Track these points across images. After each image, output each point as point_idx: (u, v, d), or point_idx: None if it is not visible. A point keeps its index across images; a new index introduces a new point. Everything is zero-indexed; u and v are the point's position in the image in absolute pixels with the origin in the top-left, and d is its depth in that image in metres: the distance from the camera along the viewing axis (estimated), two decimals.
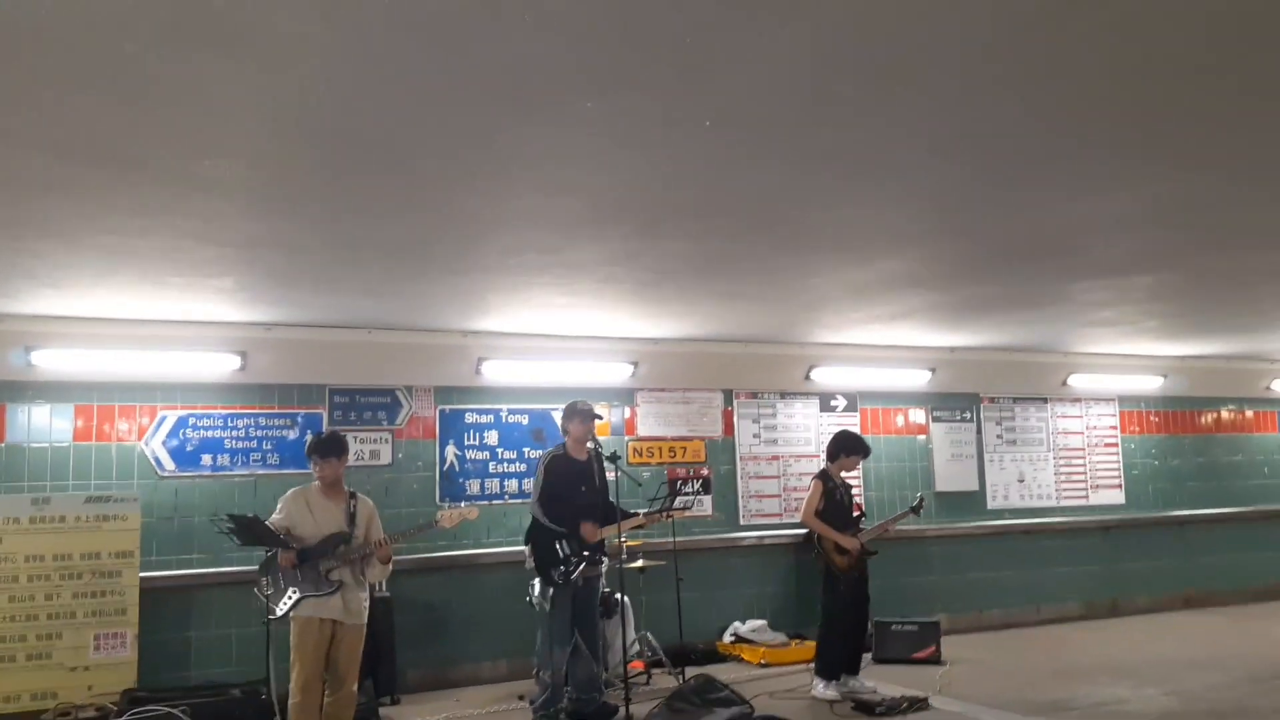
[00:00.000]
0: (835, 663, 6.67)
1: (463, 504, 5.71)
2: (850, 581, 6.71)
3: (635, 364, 8.30)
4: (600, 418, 6.60)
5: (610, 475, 6.41)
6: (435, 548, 7.51)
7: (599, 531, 6.16)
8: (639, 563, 7.40)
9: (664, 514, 6.53)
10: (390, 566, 5.61)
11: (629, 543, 7.20)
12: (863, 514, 7.11)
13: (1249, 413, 11.23)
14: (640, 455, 8.44)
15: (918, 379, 9.37)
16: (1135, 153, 4.10)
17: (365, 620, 5.51)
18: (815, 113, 3.52)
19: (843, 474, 7.00)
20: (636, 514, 6.39)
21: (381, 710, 6.53)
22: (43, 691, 6.09)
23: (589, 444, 6.36)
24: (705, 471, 8.69)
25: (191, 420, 7.01)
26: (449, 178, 4.06)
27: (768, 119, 3.55)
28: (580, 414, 6.33)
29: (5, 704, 6.00)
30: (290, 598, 5.31)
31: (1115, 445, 10.41)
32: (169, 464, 6.91)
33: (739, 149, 3.85)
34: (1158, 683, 6.80)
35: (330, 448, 5.51)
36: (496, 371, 7.84)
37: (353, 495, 5.58)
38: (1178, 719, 5.88)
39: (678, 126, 3.59)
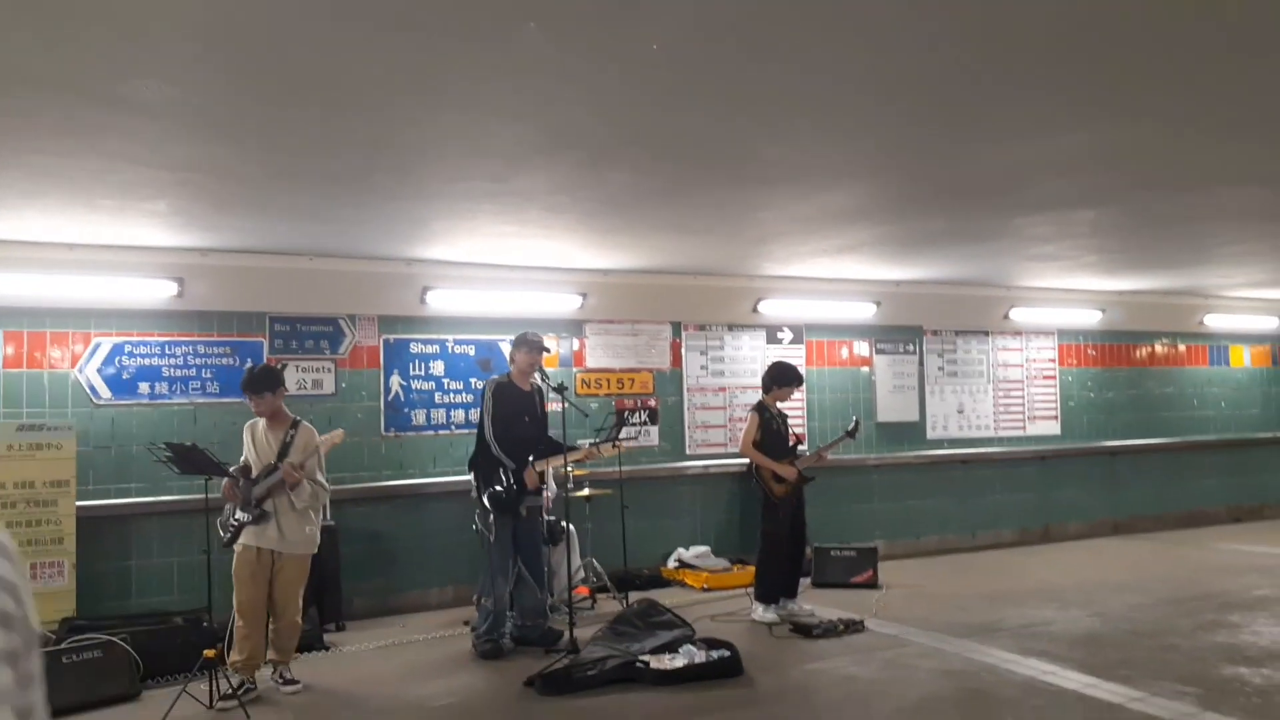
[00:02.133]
0: (774, 587, 6.83)
1: (335, 430, 5.78)
2: (787, 508, 6.84)
3: (584, 295, 8.26)
4: (549, 350, 6.56)
5: (557, 406, 6.42)
6: (380, 477, 7.51)
7: (536, 476, 6.15)
8: (585, 491, 7.48)
9: (612, 444, 6.54)
10: (314, 492, 5.41)
11: (576, 472, 7.25)
12: (799, 442, 7.21)
13: (1181, 346, 11.55)
14: (589, 387, 8.46)
15: (863, 312, 9.47)
16: (1075, 98, 4.15)
17: (310, 551, 5.52)
18: (755, 50, 3.49)
19: (779, 404, 7.07)
20: (579, 445, 6.40)
21: (326, 637, 6.56)
22: None
23: (534, 377, 6.35)
24: (653, 403, 8.74)
25: (127, 348, 6.85)
26: (386, 104, 3.97)
27: (710, 54, 3.51)
28: (527, 344, 6.31)
29: None
30: (233, 526, 5.30)
31: (1053, 378, 10.66)
32: (105, 392, 6.76)
33: (683, 82, 3.81)
34: (1083, 605, 7.08)
35: (258, 383, 5.43)
36: (442, 301, 7.75)
37: (294, 424, 5.54)
38: (1100, 638, 6.13)
39: (621, 57, 3.53)
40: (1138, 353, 11.26)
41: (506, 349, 8.02)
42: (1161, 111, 4.38)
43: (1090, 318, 10.67)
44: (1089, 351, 10.91)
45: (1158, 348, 11.40)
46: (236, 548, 5.30)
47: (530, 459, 6.14)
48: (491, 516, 6.12)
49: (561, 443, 6.10)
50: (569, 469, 6.42)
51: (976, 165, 5.22)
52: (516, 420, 6.19)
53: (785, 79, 3.81)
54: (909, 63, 3.67)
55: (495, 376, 6.55)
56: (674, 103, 4.06)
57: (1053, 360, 10.67)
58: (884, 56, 3.60)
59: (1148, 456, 10.99)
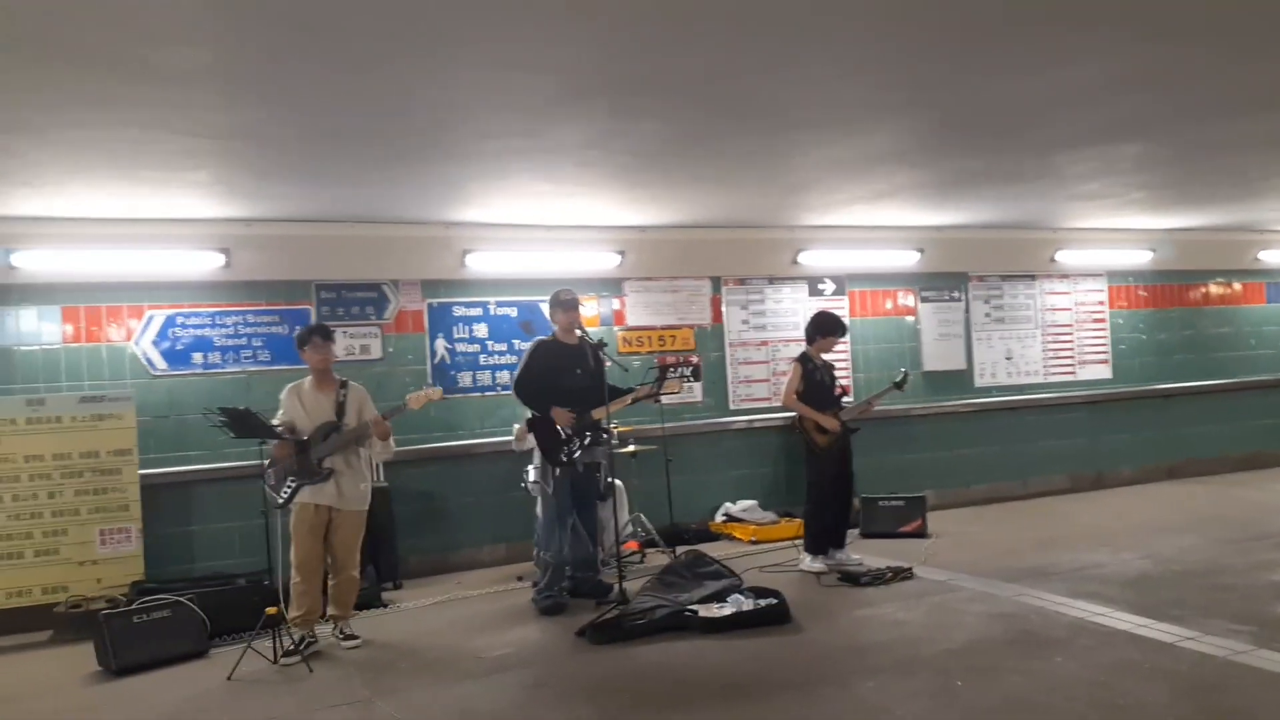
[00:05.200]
0: (821, 537, 6.85)
1: (425, 387, 5.93)
2: (832, 459, 6.83)
3: (622, 253, 8.28)
4: (579, 304, 6.52)
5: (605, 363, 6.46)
6: (431, 438, 7.64)
7: (566, 415, 6.20)
8: (630, 447, 7.54)
9: (655, 394, 6.58)
10: (392, 444, 5.75)
11: (620, 429, 7.31)
12: (844, 393, 7.17)
13: (1237, 285, 11.25)
14: (630, 345, 8.50)
15: (906, 259, 9.36)
16: (1109, 19, 4.01)
17: (365, 507, 5.67)
18: None
19: (823, 355, 7.04)
20: (630, 390, 6.44)
21: (384, 594, 6.74)
22: (53, 586, 6.27)
23: (578, 331, 6.39)
24: (695, 359, 8.76)
25: (179, 319, 7.02)
26: (413, 58, 3.98)
27: None
28: (560, 304, 6.35)
29: (18, 598, 6.20)
30: (289, 487, 5.45)
31: (1103, 321, 10.46)
32: (160, 363, 6.96)
33: (702, 16, 3.75)
34: (1135, 548, 7.00)
35: (315, 330, 5.62)
36: (482, 263, 7.82)
37: (343, 384, 5.68)
38: (1152, 580, 6.08)
39: None
40: (1191, 292, 11.00)
41: (547, 310, 8.11)
42: (1195, 32, 4.22)
43: (1140, 258, 10.43)
44: (1140, 293, 10.68)
45: (1212, 287, 11.12)
46: (294, 506, 5.45)
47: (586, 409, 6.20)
48: (550, 470, 6.20)
49: (621, 388, 6.29)
50: (613, 424, 6.46)
51: (1007, 97, 5.06)
52: (566, 374, 6.22)
53: (806, 13, 3.73)
54: None
55: (539, 336, 6.63)
56: (695, 40, 3.99)
57: (1102, 303, 10.47)
58: None
59: (1203, 399, 10.76)
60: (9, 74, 3.85)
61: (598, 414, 6.22)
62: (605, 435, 6.36)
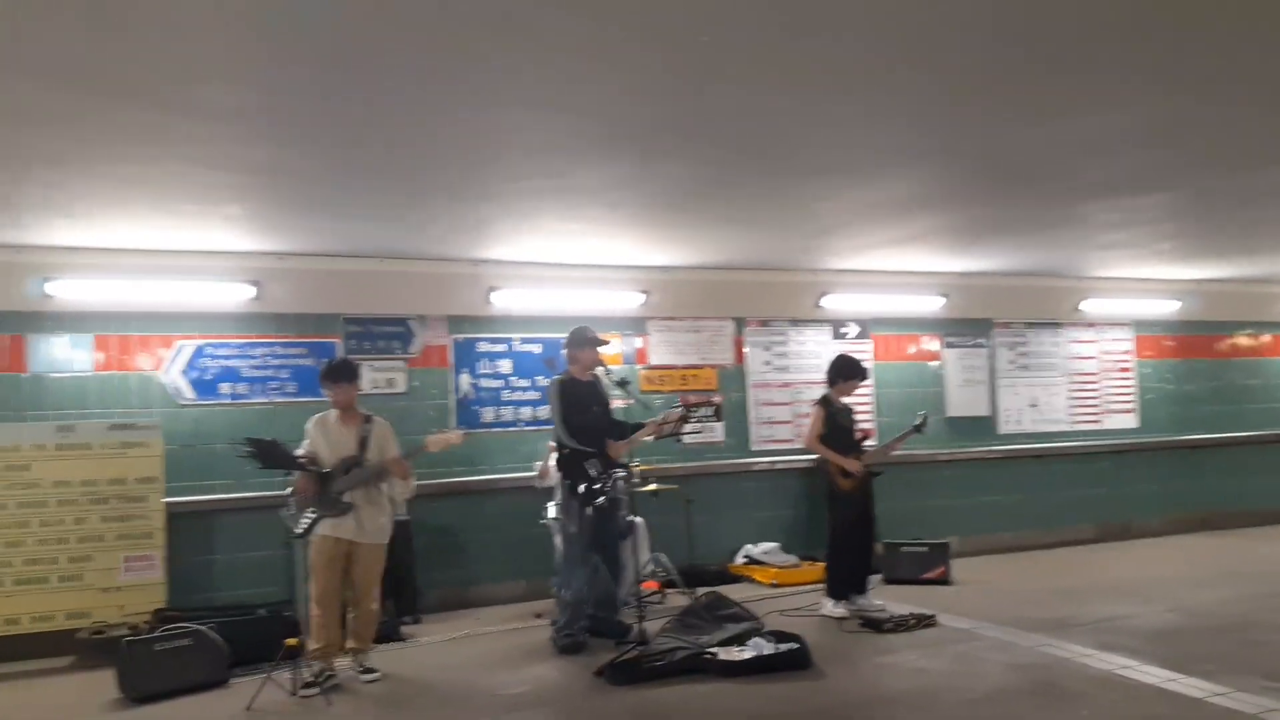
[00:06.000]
0: (843, 582, 6.79)
1: (449, 430, 5.93)
2: (855, 503, 6.78)
3: (646, 293, 8.33)
4: (606, 342, 6.60)
5: (621, 403, 6.48)
6: (452, 473, 7.65)
7: (622, 447, 6.21)
8: (651, 486, 7.53)
9: (676, 433, 6.57)
10: (412, 484, 5.76)
11: (640, 467, 7.30)
12: (866, 437, 7.15)
13: (1266, 336, 11.16)
14: (652, 384, 8.51)
15: (930, 305, 9.36)
16: (1128, 73, 4.07)
17: (385, 540, 5.68)
18: (798, 24, 3.49)
19: (843, 399, 7.02)
20: (646, 424, 6.45)
21: (403, 629, 6.73)
22: (77, 611, 6.31)
23: (597, 369, 6.42)
24: (717, 399, 8.76)
25: (208, 350, 7.12)
26: (444, 99, 4.07)
27: (752, 33, 3.54)
28: (589, 341, 6.38)
29: (41, 623, 6.23)
30: (308, 518, 5.47)
31: (1130, 370, 10.38)
32: (188, 393, 7.04)
33: (730, 66, 3.83)
34: (1163, 600, 6.89)
35: (338, 373, 5.64)
36: (507, 300, 7.89)
37: (368, 419, 5.71)
38: (1181, 633, 5.97)
39: (669, 42, 3.57)
40: (1219, 343, 10.91)
41: (566, 347, 8.14)
42: (1215, 84, 4.26)
43: (1167, 308, 10.37)
44: (1166, 342, 10.60)
45: (1240, 338, 11.02)
46: (314, 538, 5.47)
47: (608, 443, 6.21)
48: (573, 508, 6.17)
49: (630, 424, 6.28)
50: (635, 462, 6.45)
51: (1033, 145, 5.11)
52: (587, 412, 6.24)
53: (830, 58, 3.80)
54: (954, 37, 3.64)
55: (557, 376, 6.61)
56: (724, 84, 4.06)
57: (1128, 352, 10.40)
58: (928, 30, 3.57)
59: (1231, 450, 10.61)
60: (54, 106, 3.96)
61: (623, 447, 6.23)
62: (625, 472, 6.36)
